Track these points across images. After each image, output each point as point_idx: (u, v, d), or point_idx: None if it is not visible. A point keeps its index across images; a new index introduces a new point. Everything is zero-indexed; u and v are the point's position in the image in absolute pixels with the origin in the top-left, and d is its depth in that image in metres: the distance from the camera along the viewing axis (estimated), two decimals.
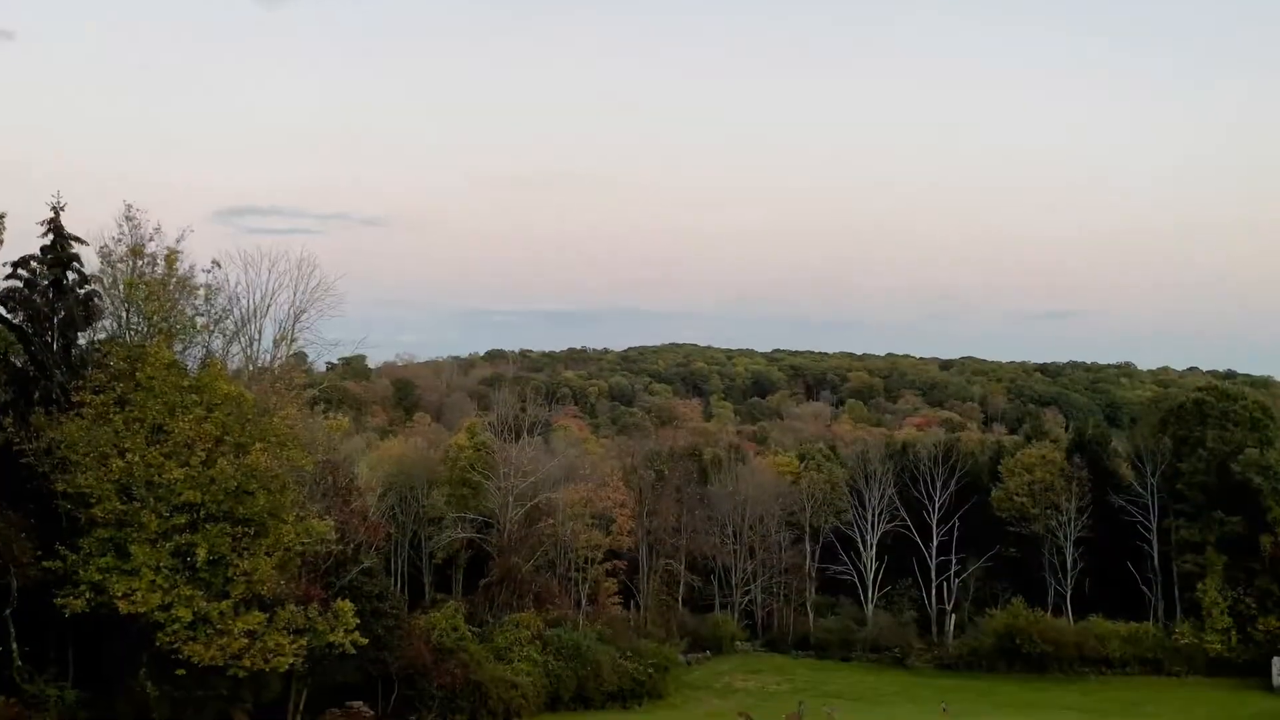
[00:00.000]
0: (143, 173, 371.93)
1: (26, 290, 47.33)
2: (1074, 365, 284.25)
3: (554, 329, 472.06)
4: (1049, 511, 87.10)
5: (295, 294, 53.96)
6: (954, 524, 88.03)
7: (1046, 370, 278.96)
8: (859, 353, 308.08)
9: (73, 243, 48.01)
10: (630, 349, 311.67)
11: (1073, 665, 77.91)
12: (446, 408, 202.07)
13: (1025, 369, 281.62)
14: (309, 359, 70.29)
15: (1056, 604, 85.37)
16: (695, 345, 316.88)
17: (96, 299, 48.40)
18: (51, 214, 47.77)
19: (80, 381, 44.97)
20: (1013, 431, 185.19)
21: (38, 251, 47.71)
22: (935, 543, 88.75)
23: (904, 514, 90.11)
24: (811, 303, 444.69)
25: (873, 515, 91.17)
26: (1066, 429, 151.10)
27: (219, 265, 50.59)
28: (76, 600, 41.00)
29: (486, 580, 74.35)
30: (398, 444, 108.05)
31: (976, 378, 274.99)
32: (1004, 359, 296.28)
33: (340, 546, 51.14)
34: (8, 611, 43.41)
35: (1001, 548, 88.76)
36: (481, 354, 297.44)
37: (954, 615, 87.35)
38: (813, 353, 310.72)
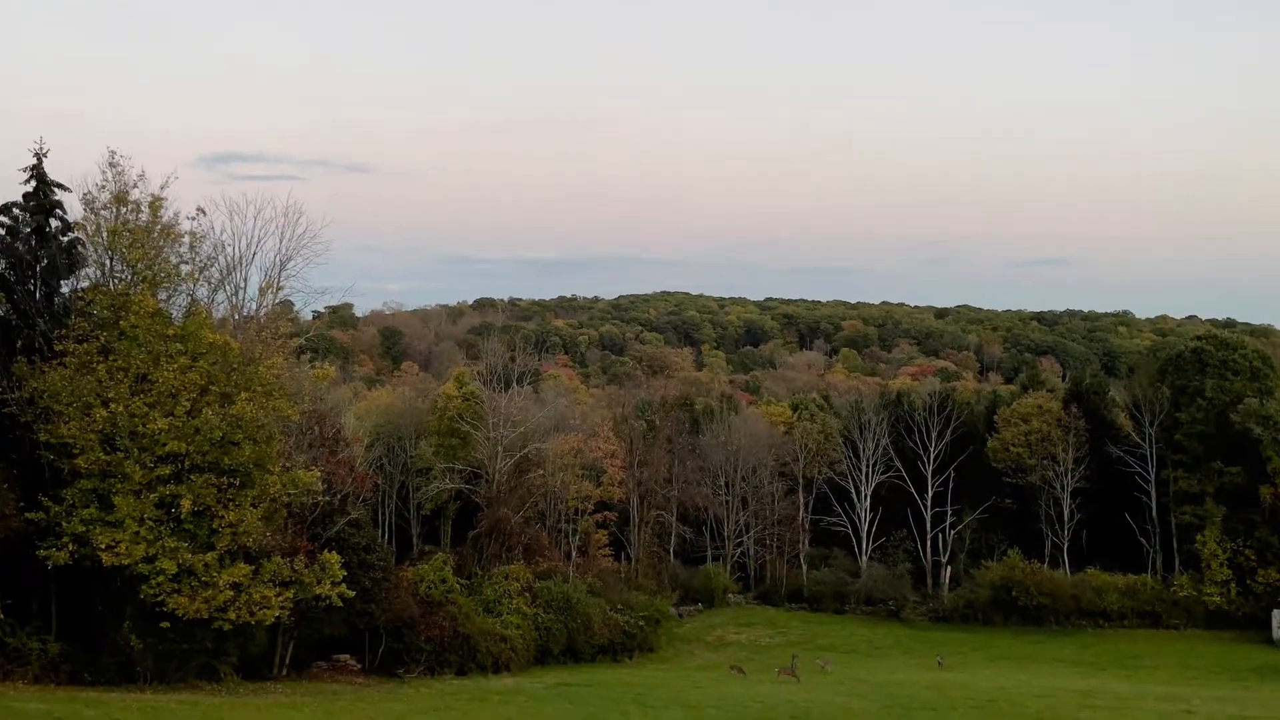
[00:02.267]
0: (125, 117, 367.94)
1: (9, 237, 46.43)
2: (1071, 314, 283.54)
3: (543, 277, 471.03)
4: (1046, 462, 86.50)
5: (281, 241, 52.72)
6: (949, 475, 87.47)
7: (1043, 319, 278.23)
8: (853, 301, 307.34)
9: (56, 189, 46.98)
10: (621, 297, 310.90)
11: (1070, 618, 77.50)
12: (434, 357, 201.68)
13: (1021, 317, 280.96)
14: (295, 307, 68.86)
15: (1053, 556, 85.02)
16: (687, 293, 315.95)
17: (80, 246, 47.33)
18: (34, 160, 46.67)
19: (63, 330, 43.91)
20: (1009, 381, 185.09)
21: (20, 198, 46.68)
22: (930, 494, 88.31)
23: (899, 465, 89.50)
24: (805, 250, 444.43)
25: (867, 466, 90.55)
26: (1063, 378, 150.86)
27: (204, 212, 49.38)
28: (60, 552, 40.21)
29: (475, 532, 73.62)
30: (385, 394, 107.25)
31: (972, 326, 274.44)
32: (1000, 307, 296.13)
33: (327, 498, 50.29)
34: None
35: (997, 499, 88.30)
36: (470, 302, 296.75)
37: (949, 567, 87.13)
38: (806, 301, 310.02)
